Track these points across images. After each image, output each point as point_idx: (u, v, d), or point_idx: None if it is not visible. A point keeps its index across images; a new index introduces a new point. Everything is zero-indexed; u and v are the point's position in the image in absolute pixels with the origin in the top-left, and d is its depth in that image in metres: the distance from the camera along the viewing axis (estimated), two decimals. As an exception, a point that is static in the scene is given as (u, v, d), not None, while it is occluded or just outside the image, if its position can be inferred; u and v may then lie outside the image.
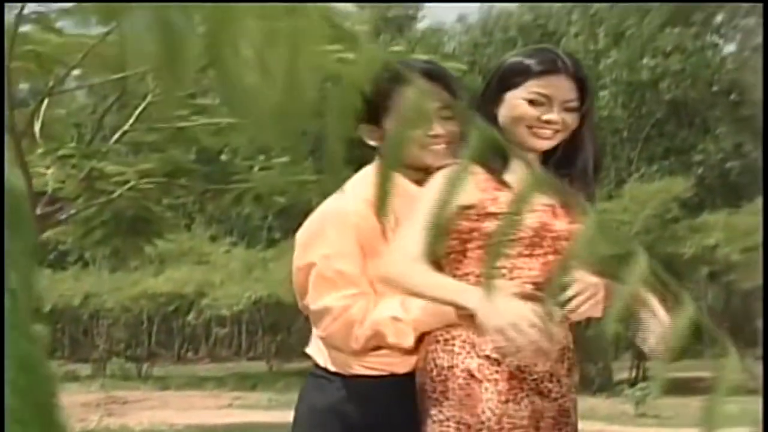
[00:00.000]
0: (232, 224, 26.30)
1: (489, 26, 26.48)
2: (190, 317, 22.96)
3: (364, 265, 2.11)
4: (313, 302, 2.13)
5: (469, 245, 2.04)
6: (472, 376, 1.97)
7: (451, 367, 1.99)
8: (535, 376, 2.00)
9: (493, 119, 2.04)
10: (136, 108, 6.95)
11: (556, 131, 2.06)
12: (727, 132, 23.60)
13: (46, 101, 6.51)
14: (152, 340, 25.82)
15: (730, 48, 25.46)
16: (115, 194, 7.25)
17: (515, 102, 2.05)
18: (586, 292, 1.97)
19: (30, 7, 5.49)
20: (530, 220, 2.00)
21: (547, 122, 2.04)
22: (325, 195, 2.26)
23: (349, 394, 2.17)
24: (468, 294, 1.92)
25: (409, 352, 2.10)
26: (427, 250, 1.95)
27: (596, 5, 24.79)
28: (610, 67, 23.36)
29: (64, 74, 6.21)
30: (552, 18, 26.03)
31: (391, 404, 2.14)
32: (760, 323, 20.07)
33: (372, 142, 2.12)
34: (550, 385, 2.02)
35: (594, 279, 1.98)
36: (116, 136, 6.92)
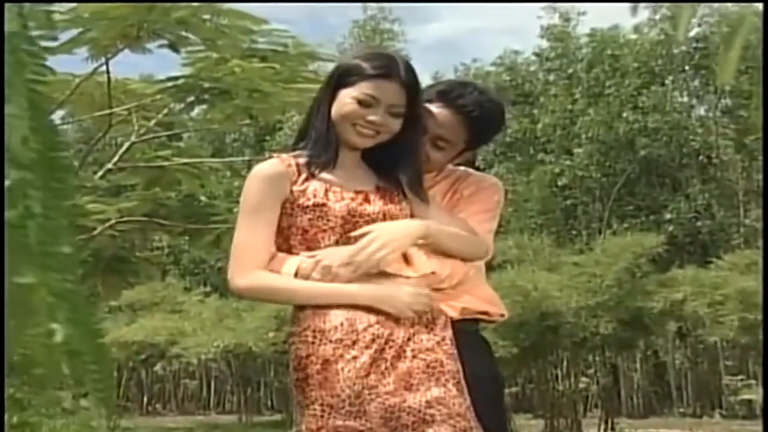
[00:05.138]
0: (206, 276, 26.27)
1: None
2: (158, 367, 22.78)
3: None
4: None
5: (292, 241, 2.20)
6: (327, 360, 2.09)
7: (308, 356, 2.12)
8: (393, 344, 2.10)
9: (328, 115, 2.22)
10: (120, 146, 7.09)
11: (378, 132, 2.20)
12: (698, 192, 24.01)
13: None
14: (120, 392, 25.54)
15: (700, 110, 26.09)
16: (96, 232, 7.33)
17: (345, 100, 2.19)
18: (370, 244, 2.13)
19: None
20: (337, 208, 2.16)
21: (370, 122, 2.18)
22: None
23: None
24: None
25: None
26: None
27: (573, 67, 25.38)
28: (588, 125, 23.84)
29: (50, 111, 6.37)
30: (529, 78, 26.57)
31: None
32: (726, 380, 20.22)
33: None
34: (407, 348, 2.11)
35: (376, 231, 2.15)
36: (99, 173, 7.04)
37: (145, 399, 27.24)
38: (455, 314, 2.29)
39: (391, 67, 2.20)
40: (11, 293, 0.56)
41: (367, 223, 2.17)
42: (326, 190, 2.18)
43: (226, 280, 2.28)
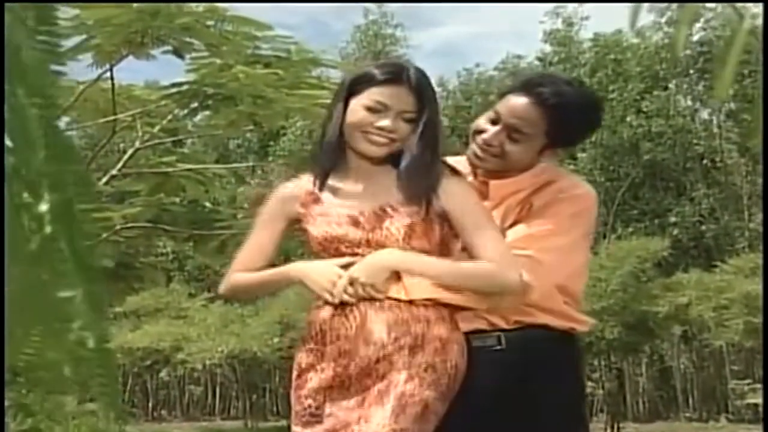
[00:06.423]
0: (211, 282, 26.27)
1: (470, 91, 26.96)
2: (163, 373, 22.75)
3: None
4: None
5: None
6: (302, 368, 2.15)
7: (294, 361, 2.20)
8: (359, 361, 2.09)
9: (340, 126, 2.17)
10: (124, 153, 7.10)
11: (392, 140, 2.12)
12: (702, 196, 24.00)
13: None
14: (125, 398, 25.54)
15: (704, 114, 26.07)
16: (101, 238, 7.33)
17: (355, 108, 2.14)
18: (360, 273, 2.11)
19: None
20: (315, 234, 2.18)
21: (380, 129, 2.11)
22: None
23: None
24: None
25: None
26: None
27: (576, 71, 25.35)
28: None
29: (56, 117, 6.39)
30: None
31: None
32: (732, 384, 20.17)
33: None
34: (379, 367, 2.07)
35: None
36: (104, 179, 7.05)
37: (150, 405, 27.22)
38: (505, 324, 2.23)
39: (400, 73, 2.14)
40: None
41: (348, 248, 2.15)
42: (319, 215, 2.20)
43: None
